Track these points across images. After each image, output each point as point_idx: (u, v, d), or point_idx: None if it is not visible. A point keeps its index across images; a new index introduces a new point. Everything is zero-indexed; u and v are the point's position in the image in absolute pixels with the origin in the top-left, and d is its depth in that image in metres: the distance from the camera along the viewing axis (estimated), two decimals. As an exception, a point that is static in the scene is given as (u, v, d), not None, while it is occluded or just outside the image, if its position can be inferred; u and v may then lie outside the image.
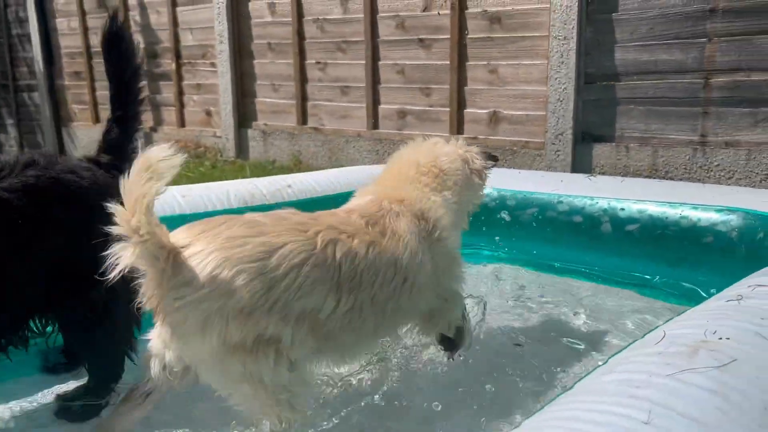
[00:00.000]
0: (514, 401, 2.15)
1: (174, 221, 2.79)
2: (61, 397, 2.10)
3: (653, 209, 3.10)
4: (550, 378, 2.27)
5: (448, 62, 5.60)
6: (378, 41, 6.06)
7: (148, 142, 8.21)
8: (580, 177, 3.83)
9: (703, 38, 4.46)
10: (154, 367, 1.79)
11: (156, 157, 1.55)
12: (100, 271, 1.68)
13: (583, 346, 2.51)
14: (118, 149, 2.22)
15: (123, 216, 1.53)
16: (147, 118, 8.28)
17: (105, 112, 8.80)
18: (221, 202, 2.92)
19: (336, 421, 2.00)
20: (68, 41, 9.01)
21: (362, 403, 2.11)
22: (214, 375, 1.76)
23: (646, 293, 2.98)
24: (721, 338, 1.50)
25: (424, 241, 2.09)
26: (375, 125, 6.27)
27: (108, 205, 1.53)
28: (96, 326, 2.00)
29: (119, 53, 2.26)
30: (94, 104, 8.86)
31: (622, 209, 3.08)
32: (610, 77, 4.88)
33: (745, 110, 4.38)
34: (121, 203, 1.53)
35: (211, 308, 1.63)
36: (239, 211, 2.99)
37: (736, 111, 4.41)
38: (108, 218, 1.55)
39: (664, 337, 1.58)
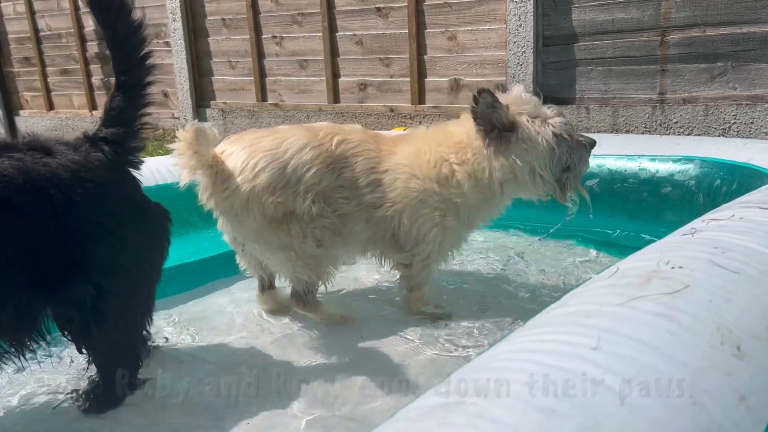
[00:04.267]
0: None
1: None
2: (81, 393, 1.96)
3: (611, 163, 3.07)
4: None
5: (406, 31, 5.51)
6: (334, 12, 5.93)
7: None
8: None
9: (659, -5, 4.45)
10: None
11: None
12: (78, 264, 1.71)
13: (543, 301, 2.47)
14: (123, 121, 1.87)
15: (182, 136, 2.12)
16: (102, 103, 8.02)
17: (58, 99, 8.51)
18: (163, 177, 2.79)
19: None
20: (15, 26, 8.66)
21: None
22: (259, 246, 2.29)
23: (605, 251, 2.96)
24: (674, 267, 1.46)
25: (431, 201, 2.31)
26: (336, 99, 6.15)
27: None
28: (89, 325, 1.79)
29: (107, 2, 1.86)
30: (47, 91, 8.55)
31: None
32: (568, 39, 4.84)
33: (702, 66, 4.38)
34: (111, 185, 1.82)
35: (247, 190, 2.17)
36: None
37: (693, 67, 4.42)
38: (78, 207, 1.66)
39: (617, 271, 1.54)
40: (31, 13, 8.34)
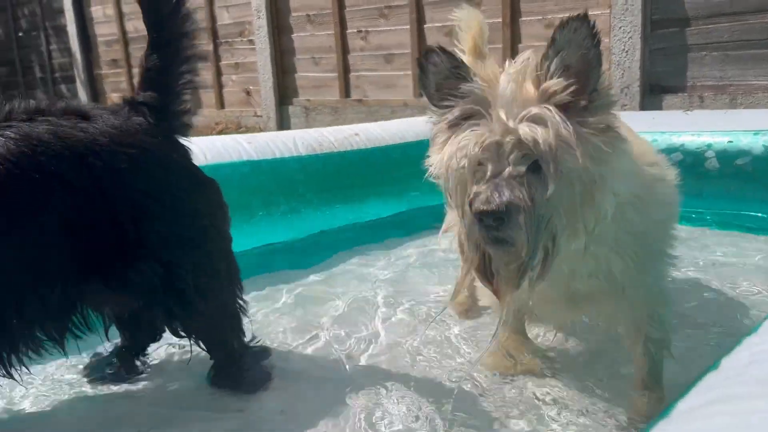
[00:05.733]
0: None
1: (240, 167, 2.66)
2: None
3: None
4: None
5: (500, 20, 5.32)
6: (423, 3, 5.80)
7: (187, 126, 8.11)
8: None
9: (786, -29, 4.11)
10: None
11: None
12: (133, 241, 1.54)
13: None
14: (160, 83, 1.65)
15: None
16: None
17: (143, 99, 8.74)
18: (288, 149, 2.72)
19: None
20: (104, 29, 8.96)
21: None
22: None
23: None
24: None
25: None
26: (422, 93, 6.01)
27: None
28: (173, 308, 1.65)
29: None
30: (132, 91, 8.78)
31: (730, 142, 2.75)
32: (679, 22, 4.54)
33: (837, 47, 4.02)
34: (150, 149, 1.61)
35: None
36: (307, 158, 2.80)
37: (826, 49, 4.05)
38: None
39: None
40: (120, 16, 8.60)
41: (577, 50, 1.30)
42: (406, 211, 3.19)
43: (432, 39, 5.82)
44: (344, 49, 6.48)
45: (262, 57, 7.10)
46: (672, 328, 1.67)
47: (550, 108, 1.27)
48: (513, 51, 5.33)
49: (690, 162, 2.75)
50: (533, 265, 1.31)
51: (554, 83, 1.29)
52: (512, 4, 5.24)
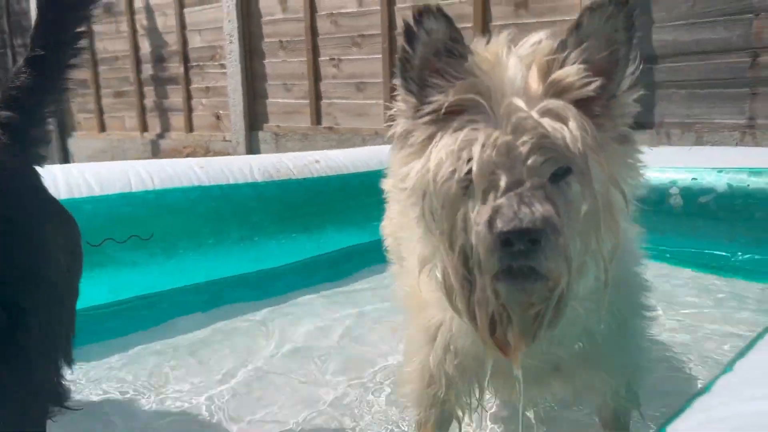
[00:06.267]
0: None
1: (192, 192, 2.53)
2: None
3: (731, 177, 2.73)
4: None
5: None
6: (396, 33, 5.79)
7: (155, 150, 7.95)
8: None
9: (750, 13, 4.17)
10: None
11: None
12: None
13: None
14: (25, 103, 1.40)
15: None
16: (154, 124, 8.03)
17: (111, 121, 8.56)
18: (243, 175, 2.60)
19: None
20: (73, 49, 8.79)
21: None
22: None
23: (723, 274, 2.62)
24: None
25: None
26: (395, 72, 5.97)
27: None
28: None
29: None
30: (100, 112, 8.61)
31: (694, 179, 2.72)
32: (647, 60, 4.57)
33: (799, 88, 4.07)
34: None
35: None
36: (264, 185, 2.68)
37: (789, 90, 4.10)
38: None
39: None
40: (90, 35, 8.46)
41: (606, 44, 1.03)
42: (367, 243, 3.08)
43: (404, 69, 5.80)
44: (316, 76, 6.42)
45: (233, 81, 7.01)
46: (643, 394, 1.42)
47: (568, 104, 0.99)
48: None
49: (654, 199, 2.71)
50: (555, 306, 0.99)
51: (570, 73, 1.00)
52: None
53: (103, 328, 2.25)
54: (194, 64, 7.49)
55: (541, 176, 0.96)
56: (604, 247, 1.02)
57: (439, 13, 1.04)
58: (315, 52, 6.36)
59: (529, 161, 0.95)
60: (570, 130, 0.96)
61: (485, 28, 5.22)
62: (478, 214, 0.95)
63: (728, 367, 1.05)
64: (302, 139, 6.61)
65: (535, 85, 1.02)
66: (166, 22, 7.60)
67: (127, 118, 8.33)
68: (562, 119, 0.97)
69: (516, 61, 1.03)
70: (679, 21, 4.41)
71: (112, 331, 2.28)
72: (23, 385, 1.24)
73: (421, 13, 1.04)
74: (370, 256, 2.89)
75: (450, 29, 1.05)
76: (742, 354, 1.12)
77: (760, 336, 1.22)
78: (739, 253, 2.61)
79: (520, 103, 0.97)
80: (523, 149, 0.96)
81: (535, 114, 0.97)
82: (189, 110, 7.66)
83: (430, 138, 1.05)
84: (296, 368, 2.08)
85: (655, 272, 2.70)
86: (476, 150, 0.96)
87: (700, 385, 1.61)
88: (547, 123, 0.97)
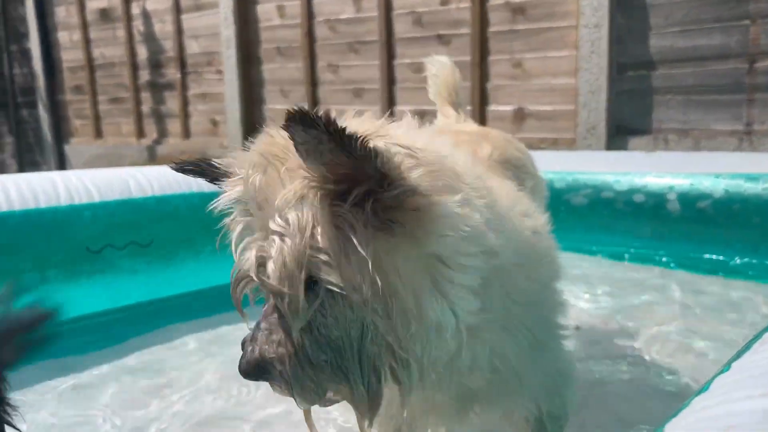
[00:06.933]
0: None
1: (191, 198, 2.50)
2: None
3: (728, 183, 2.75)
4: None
5: (468, 58, 5.33)
6: (393, 40, 5.81)
7: (152, 156, 7.93)
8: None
9: (746, 20, 4.20)
10: None
11: None
12: None
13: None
14: None
15: None
16: (150, 130, 8.03)
17: (107, 127, 8.55)
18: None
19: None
20: (69, 55, 8.78)
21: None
22: None
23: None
24: None
25: None
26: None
27: None
28: None
29: None
30: (96, 118, 8.59)
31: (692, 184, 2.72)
32: (644, 66, 4.60)
33: (796, 94, 4.09)
34: None
35: None
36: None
37: (785, 96, 4.13)
38: None
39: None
40: (86, 42, 8.45)
41: (327, 155, 0.88)
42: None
43: (401, 75, 5.82)
44: (313, 82, 6.43)
45: (230, 88, 7.01)
46: (573, 406, 1.40)
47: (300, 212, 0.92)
48: (482, 89, 5.34)
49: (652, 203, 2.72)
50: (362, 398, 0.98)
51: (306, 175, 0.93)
52: (481, 45, 5.26)
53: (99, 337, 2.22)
54: (191, 70, 7.49)
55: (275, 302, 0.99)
56: (405, 343, 0.97)
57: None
58: (312, 58, 6.37)
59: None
60: (272, 262, 0.96)
61: (483, 34, 5.25)
62: None
63: (726, 366, 1.08)
64: (300, 145, 6.61)
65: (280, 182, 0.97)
66: (164, 28, 7.61)
67: (124, 124, 8.32)
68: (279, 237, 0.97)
69: (254, 157, 1.00)
70: (676, 27, 4.43)
71: (114, 338, 2.26)
72: None
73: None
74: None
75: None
76: (739, 354, 1.14)
77: (756, 337, 1.23)
78: (737, 258, 2.62)
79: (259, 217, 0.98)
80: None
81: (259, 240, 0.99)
82: (186, 116, 7.65)
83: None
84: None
85: (651, 275, 2.74)
86: (237, 271, 1.05)
87: (698, 385, 1.62)
88: (251, 255, 0.99)
